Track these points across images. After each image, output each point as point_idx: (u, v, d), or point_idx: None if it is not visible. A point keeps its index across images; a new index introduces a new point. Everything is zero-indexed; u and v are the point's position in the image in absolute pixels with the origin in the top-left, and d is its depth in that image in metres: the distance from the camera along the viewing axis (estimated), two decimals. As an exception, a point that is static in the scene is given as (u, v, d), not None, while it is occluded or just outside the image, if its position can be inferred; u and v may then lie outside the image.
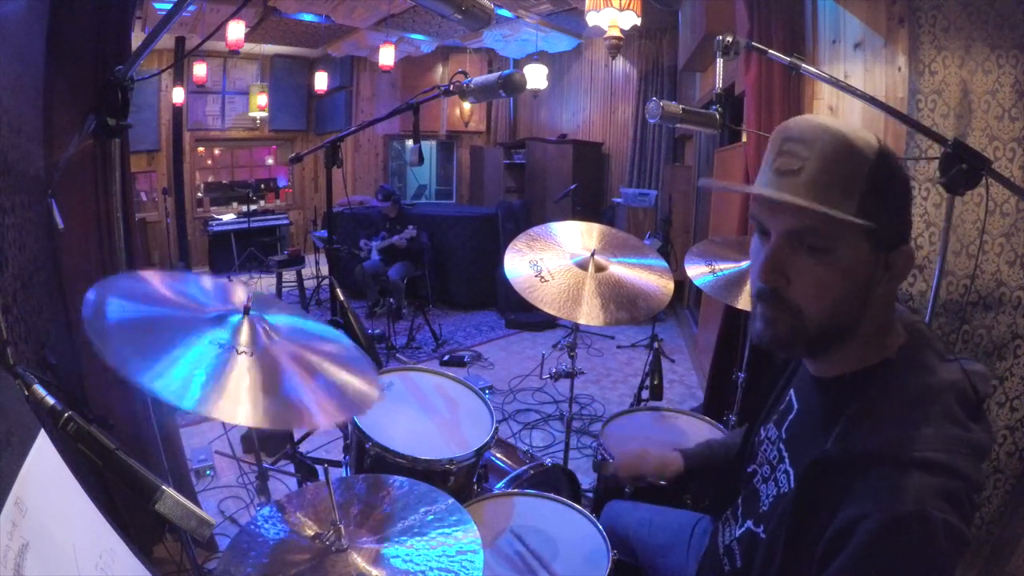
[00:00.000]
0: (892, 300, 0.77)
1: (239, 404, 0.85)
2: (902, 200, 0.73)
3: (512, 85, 1.37)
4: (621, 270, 1.74)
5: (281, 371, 0.95)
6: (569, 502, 1.37)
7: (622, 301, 1.64)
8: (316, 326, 1.19)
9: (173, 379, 0.82)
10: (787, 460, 0.84)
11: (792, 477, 0.81)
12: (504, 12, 5.29)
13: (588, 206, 5.65)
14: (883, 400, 0.71)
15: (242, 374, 0.89)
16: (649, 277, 1.75)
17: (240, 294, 1.10)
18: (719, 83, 1.60)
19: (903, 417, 0.68)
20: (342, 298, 1.78)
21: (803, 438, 0.83)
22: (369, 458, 1.38)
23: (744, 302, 1.76)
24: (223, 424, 2.55)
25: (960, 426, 0.67)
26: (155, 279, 1.04)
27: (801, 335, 0.74)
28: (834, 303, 0.71)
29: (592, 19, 3.41)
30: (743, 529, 0.91)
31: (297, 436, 2.34)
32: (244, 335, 0.96)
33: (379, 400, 1.04)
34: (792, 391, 0.91)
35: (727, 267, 1.86)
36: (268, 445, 2.54)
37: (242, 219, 6.76)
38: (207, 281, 1.12)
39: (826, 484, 0.69)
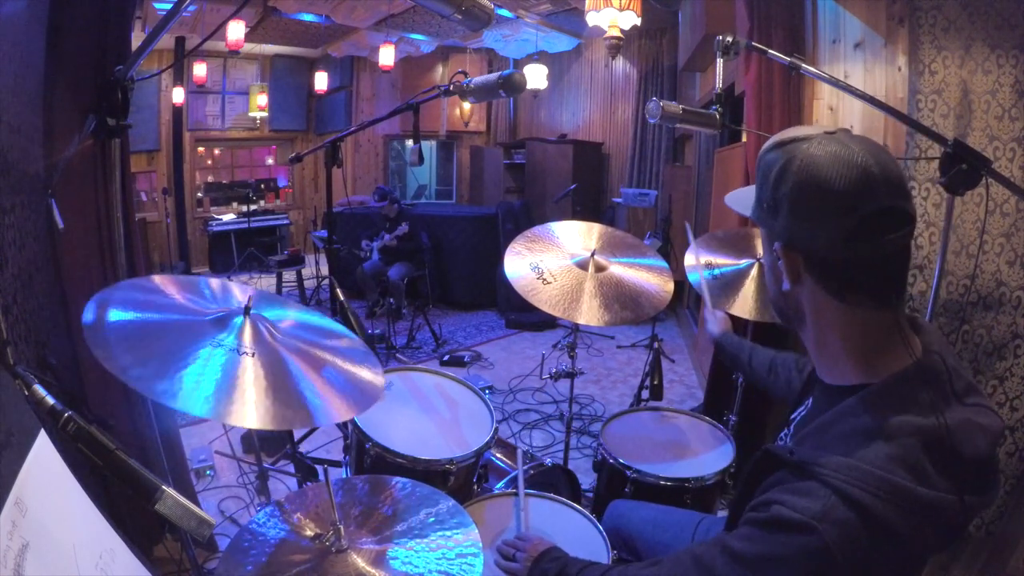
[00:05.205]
0: (848, 317, 0.74)
1: (253, 407, 0.85)
2: (792, 204, 0.72)
3: (512, 85, 1.37)
4: (621, 270, 1.74)
5: (287, 369, 0.95)
6: (569, 502, 1.37)
7: (625, 301, 1.64)
8: (319, 319, 1.19)
9: (184, 388, 0.81)
10: None
11: None
12: (504, 12, 5.29)
13: (588, 206, 5.65)
14: (840, 421, 0.72)
15: (251, 376, 0.89)
16: (648, 277, 1.75)
17: (239, 294, 1.10)
18: (719, 83, 1.60)
19: (847, 444, 0.69)
20: (342, 298, 1.78)
21: (799, 434, 0.86)
22: (369, 458, 1.38)
23: (739, 308, 1.74)
24: (223, 424, 2.55)
25: (910, 476, 0.65)
26: (154, 282, 1.04)
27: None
28: (769, 289, 0.85)
29: (592, 19, 3.40)
30: None
31: (297, 436, 2.34)
32: (247, 336, 0.96)
33: (381, 398, 1.04)
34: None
35: (725, 263, 1.85)
36: (268, 445, 2.55)
37: (242, 219, 6.76)
38: (207, 282, 1.11)
39: (768, 472, 0.76)
